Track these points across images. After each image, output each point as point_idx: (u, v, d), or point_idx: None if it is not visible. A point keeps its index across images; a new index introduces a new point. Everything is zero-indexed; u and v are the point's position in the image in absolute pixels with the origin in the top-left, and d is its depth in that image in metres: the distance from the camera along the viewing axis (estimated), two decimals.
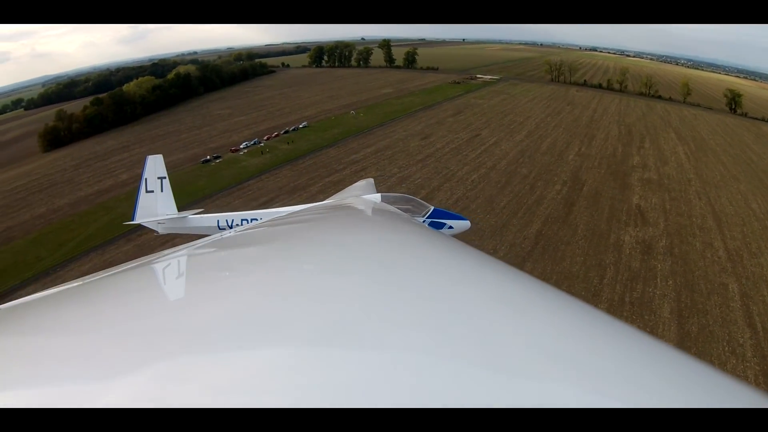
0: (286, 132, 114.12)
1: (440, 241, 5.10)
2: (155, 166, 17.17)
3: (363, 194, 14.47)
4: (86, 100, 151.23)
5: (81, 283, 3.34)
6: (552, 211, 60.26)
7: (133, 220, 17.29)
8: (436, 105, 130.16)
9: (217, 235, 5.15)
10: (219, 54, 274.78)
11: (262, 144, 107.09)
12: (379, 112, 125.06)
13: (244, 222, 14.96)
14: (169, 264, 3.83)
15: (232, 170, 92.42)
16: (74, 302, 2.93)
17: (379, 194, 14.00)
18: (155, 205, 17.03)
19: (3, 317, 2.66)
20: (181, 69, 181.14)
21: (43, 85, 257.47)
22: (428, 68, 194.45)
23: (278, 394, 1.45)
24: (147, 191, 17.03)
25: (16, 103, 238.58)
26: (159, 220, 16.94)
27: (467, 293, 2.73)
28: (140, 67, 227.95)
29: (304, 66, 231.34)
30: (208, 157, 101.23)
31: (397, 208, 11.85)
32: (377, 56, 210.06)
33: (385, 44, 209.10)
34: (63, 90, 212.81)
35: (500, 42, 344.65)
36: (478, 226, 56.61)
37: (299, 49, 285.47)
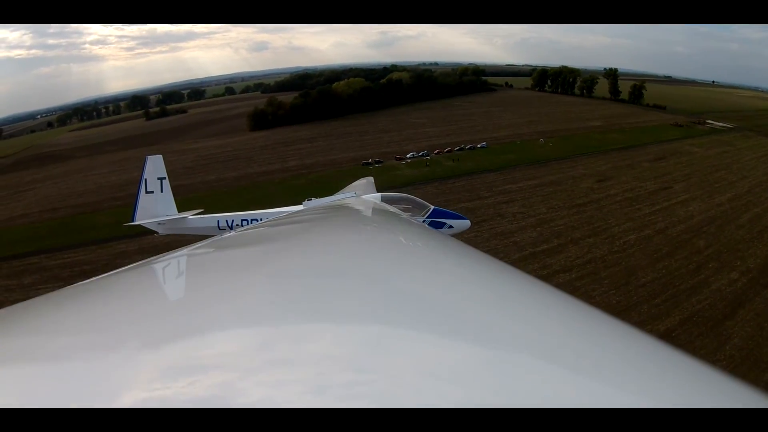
0: (460, 149, 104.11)
1: (440, 240, 4.94)
2: (155, 166, 16.65)
3: (363, 194, 14.40)
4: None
5: (80, 283, 3.27)
6: (706, 307, 41.68)
7: (132, 221, 16.76)
8: (640, 146, 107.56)
9: (217, 237, 5.02)
10: (457, 67, 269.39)
11: (429, 157, 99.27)
12: (572, 144, 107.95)
13: (245, 222, 14.74)
14: (169, 265, 3.67)
15: (383, 177, 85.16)
16: (74, 303, 2.79)
17: (379, 194, 14.06)
18: (155, 206, 16.58)
19: (5, 318, 2.60)
20: (395, 75, 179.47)
21: (291, 74, 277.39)
22: (654, 106, 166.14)
23: (278, 394, 1.43)
24: (147, 192, 16.54)
25: (257, 86, 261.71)
26: (159, 220, 16.49)
27: (468, 293, 2.66)
28: (371, 69, 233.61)
29: (526, 88, 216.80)
30: (371, 160, 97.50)
31: (397, 207, 11.67)
32: (603, 86, 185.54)
33: (611, 74, 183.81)
34: (296, 81, 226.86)
35: (755, 89, 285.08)
36: (593, 301, 41.17)
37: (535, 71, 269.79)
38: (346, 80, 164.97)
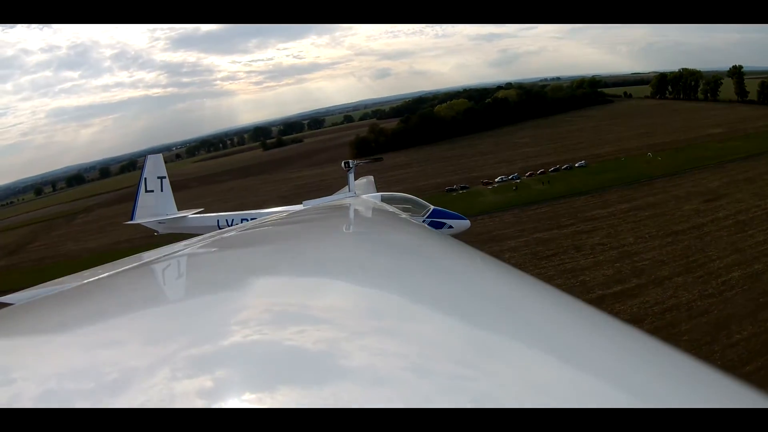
0: (555, 170, 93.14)
1: (439, 240, 4.96)
2: (155, 166, 16.50)
3: (363, 194, 14.18)
4: None
5: (80, 283, 3.42)
6: None
7: (132, 219, 16.49)
8: (765, 154, 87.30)
9: (216, 233, 4.84)
10: (574, 80, 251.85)
11: (518, 180, 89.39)
12: (684, 156, 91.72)
13: (244, 222, 13.46)
14: (168, 263, 3.76)
15: (462, 204, 77.70)
16: (74, 303, 2.88)
17: (379, 194, 13.88)
18: (155, 205, 16.31)
19: (6, 317, 2.66)
20: (500, 94, 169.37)
21: (414, 99, 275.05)
22: None
23: (277, 394, 1.38)
24: (147, 191, 16.25)
25: (375, 113, 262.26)
26: (159, 219, 16.14)
27: (469, 292, 2.63)
28: (485, 89, 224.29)
29: (646, 96, 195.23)
30: (455, 186, 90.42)
31: (397, 207, 11.51)
32: (730, 88, 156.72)
33: (735, 72, 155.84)
34: (411, 105, 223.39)
35: None
36: None
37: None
38: (448, 102, 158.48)
